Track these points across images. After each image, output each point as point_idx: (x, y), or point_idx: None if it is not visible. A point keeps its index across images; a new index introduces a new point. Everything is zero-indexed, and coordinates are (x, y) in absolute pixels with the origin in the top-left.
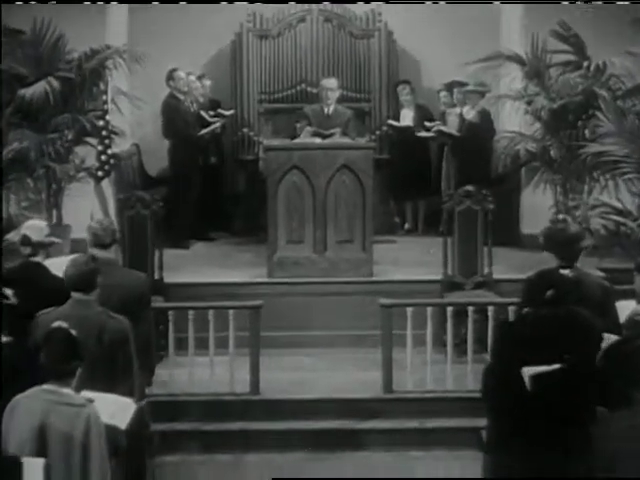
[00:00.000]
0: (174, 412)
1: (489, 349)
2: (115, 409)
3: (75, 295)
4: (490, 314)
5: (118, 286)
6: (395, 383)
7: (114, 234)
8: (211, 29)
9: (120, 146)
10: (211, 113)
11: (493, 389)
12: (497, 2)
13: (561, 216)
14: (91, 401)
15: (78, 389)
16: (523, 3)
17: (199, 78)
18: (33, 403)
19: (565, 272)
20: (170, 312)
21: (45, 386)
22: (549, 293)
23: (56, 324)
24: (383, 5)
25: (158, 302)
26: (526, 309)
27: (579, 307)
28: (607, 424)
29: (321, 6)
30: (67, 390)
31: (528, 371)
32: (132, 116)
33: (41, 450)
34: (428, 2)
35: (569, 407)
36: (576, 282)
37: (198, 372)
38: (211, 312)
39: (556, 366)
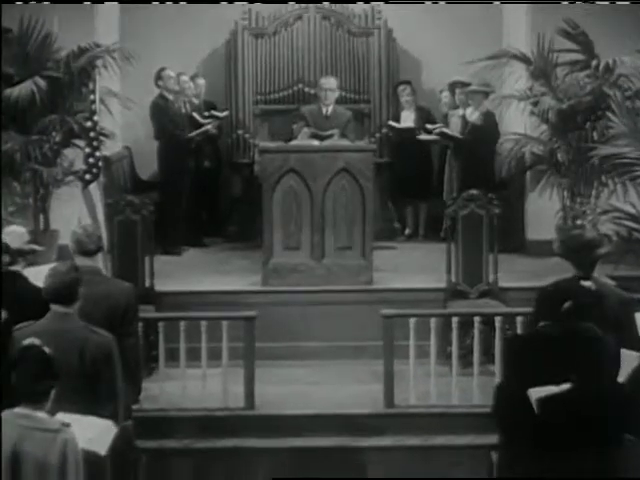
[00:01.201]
0: (164, 429)
1: (501, 365)
2: (94, 433)
3: (54, 308)
4: (497, 325)
5: (103, 297)
6: (397, 397)
7: (99, 241)
8: (205, 27)
9: (110, 149)
10: (206, 114)
11: (505, 409)
12: (497, 2)
13: (578, 221)
14: (67, 425)
15: (56, 411)
16: (522, 3)
17: (192, 78)
18: (5, 428)
19: (586, 284)
20: (160, 323)
21: (17, 409)
22: (566, 306)
23: (28, 341)
24: (382, 3)
25: (148, 312)
26: (542, 323)
27: (597, 323)
28: (634, 451)
29: (318, 4)
30: (41, 414)
31: (535, 393)
32: (123, 118)
33: (15, 479)
34: (428, 2)
35: (585, 432)
36: (597, 295)
37: (190, 385)
38: (203, 323)
39: (565, 386)
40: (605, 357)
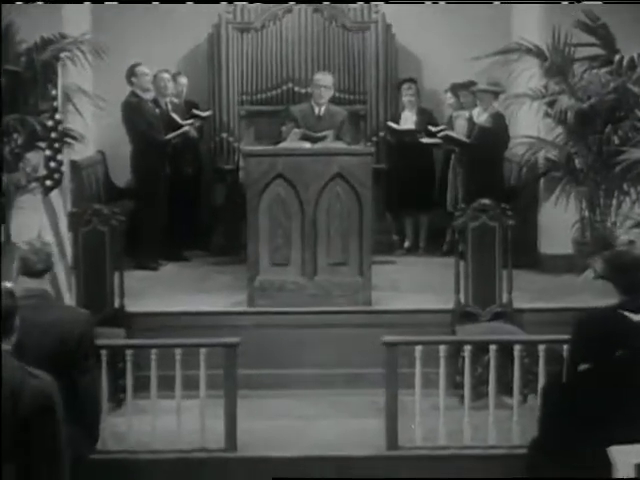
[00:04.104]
0: (132, 474)
1: (538, 420)
2: None
3: None
4: (516, 353)
5: (51, 327)
6: (400, 436)
7: (48, 259)
8: (187, 20)
9: (81, 153)
10: (187, 116)
11: (543, 469)
12: (497, 2)
13: (625, 237)
14: None
15: None
16: (524, 3)
17: (174, 76)
18: None
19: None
20: (128, 350)
21: None
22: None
23: None
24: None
25: (117, 335)
26: (584, 365)
27: None
28: None
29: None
30: None
31: (627, 455)
32: (97, 119)
33: None
34: (428, 2)
35: None
36: None
37: (162, 421)
38: (178, 350)
39: None
40: None
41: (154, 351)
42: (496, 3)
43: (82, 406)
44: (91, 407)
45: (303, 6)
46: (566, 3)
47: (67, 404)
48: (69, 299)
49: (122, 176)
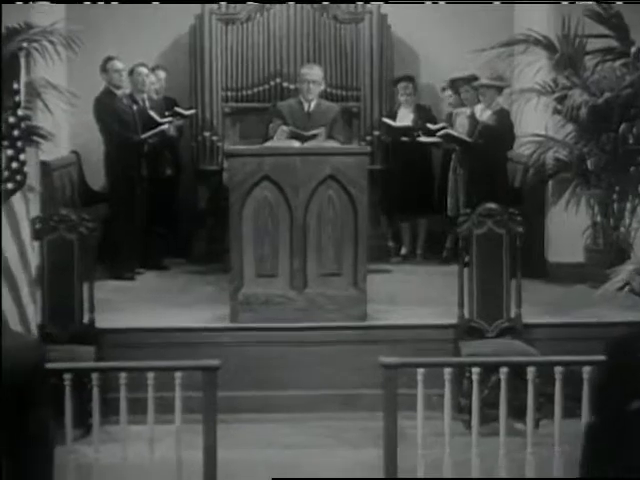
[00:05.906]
0: None
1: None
2: None
3: None
4: (530, 377)
5: None
6: (400, 469)
7: None
8: (167, 11)
9: (54, 153)
10: (166, 114)
11: None
12: (497, 2)
13: None
14: None
15: None
16: (523, 3)
17: (153, 70)
18: None
19: None
20: (94, 374)
21: None
22: None
23: None
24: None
25: (87, 354)
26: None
27: None
28: None
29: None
30: None
31: None
32: (71, 117)
33: None
34: (428, 2)
35: None
36: None
37: (133, 450)
38: (150, 374)
39: None
40: None
41: (124, 375)
42: (496, 3)
43: (32, 446)
44: (43, 447)
45: None
46: (566, 3)
47: (16, 443)
48: (33, 314)
49: (99, 179)
